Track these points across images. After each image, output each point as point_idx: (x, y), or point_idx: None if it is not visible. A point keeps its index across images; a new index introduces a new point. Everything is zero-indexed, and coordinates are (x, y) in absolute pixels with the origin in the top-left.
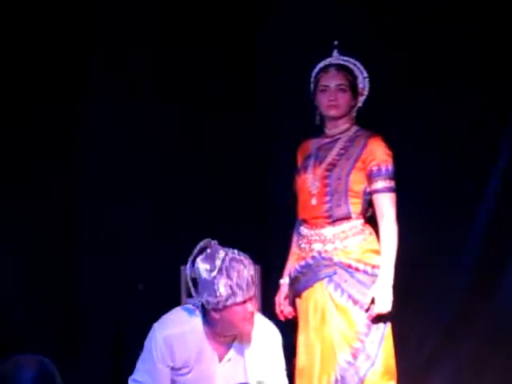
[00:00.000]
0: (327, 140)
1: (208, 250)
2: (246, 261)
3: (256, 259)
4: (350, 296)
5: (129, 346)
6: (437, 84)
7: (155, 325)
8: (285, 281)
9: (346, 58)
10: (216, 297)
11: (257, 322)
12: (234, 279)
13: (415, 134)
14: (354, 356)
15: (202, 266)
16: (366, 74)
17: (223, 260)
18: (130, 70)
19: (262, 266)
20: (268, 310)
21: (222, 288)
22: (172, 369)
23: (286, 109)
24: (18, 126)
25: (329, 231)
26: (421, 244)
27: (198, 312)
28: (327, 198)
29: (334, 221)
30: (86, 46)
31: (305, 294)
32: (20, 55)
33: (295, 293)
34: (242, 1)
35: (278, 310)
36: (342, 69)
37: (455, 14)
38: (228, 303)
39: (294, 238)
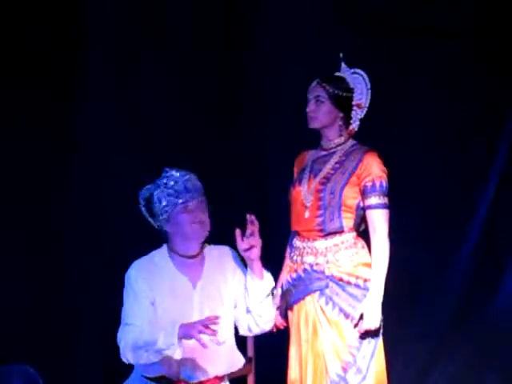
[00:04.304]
0: (323, 153)
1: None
2: (184, 172)
3: None
4: (341, 310)
5: None
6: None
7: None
8: (277, 292)
9: (353, 70)
10: (162, 208)
11: (216, 247)
12: (172, 187)
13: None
14: (345, 369)
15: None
16: (369, 86)
17: (161, 178)
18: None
19: None
20: None
21: (164, 199)
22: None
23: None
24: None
25: (321, 244)
26: (414, 255)
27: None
28: (320, 212)
29: (327, 234)
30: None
31: (296, 307)
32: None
33: (287, 305)
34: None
35: None
36: (325, 81)
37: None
38: (172, 208)
39: (287, 250)
